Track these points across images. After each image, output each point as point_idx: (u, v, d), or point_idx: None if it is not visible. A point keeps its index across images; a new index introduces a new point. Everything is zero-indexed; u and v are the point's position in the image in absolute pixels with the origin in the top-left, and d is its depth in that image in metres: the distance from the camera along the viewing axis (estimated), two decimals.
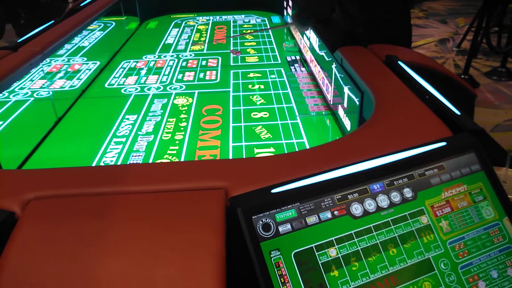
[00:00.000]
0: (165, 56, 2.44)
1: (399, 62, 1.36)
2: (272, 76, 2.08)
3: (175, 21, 3.19)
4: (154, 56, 2.44)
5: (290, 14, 2.58)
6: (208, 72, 2.17)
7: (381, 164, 0.80)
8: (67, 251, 0.69)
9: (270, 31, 2.85)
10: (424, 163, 0.81)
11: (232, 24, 3.06)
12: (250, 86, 1.97)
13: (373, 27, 1.72)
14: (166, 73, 2.18)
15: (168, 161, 1.39)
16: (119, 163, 1.40)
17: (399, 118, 1.04)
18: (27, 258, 0.68)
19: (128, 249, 0.68)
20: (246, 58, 2.36)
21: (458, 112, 1.00)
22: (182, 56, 2.44)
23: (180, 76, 2.13)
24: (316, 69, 1.92)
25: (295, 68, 2.16)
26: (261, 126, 1.60)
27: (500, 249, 0.77)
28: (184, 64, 2.31)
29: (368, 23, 1.72)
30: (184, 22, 3.16)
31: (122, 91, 1.98)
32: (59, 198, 0.79)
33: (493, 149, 0.98)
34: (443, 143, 0.85)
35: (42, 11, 4.80)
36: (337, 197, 0.75)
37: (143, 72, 2.20)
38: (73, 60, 2.37)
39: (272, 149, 1.44)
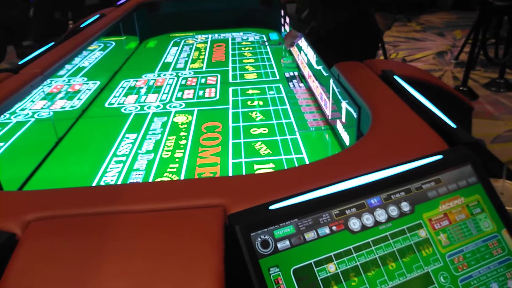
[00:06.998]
0: (164, 75, 2.46)
1: (395, 77, 1.37)
2: (271, 92, 2.09)
3: (174, 40, 3.23)
4: (154, 75, 2.47)
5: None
6: (207, 90, 2.19)
7: (378, 178, 0.81)
8: (68, 272, 0.69)
9: (268, 47, 2.88)
10: (421, 176, 0.82)
11: (230, 41, 3.10)
12: (249, 102, 1.99)
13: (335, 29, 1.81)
14: (166, 91, 2.20)
15: (167, 179, 1.40)
16: (119, 182, 1.40)
17: (395, 132, 1.04)
18: (28, 279, 0.68)
19: (128, 269, 0.69)
20: (245, 75, 2.38)
21: (454, 125, 1.00)
22: (181, 74, 2.46)
23: (179, 94, 2.15)
24: (314, 84, 1.93)
25: (293, 84, 2.18)
26: (260, 142, 1.61)
27: (500, 261, 0.77)
28: (183, 82, 2.33)
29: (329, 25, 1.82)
30: (183, 41, 3.20)
31: (122, 110, 1.99)
32: (60, 219, 0.79)
33: (489, 160, 0.99)
34: (440, 156, 0.85)
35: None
36: (335, 212, 0.75)
37: (143, 91, 2.23)
38: (73, 81, 2.39)
39: (271, 165, 1.45)
